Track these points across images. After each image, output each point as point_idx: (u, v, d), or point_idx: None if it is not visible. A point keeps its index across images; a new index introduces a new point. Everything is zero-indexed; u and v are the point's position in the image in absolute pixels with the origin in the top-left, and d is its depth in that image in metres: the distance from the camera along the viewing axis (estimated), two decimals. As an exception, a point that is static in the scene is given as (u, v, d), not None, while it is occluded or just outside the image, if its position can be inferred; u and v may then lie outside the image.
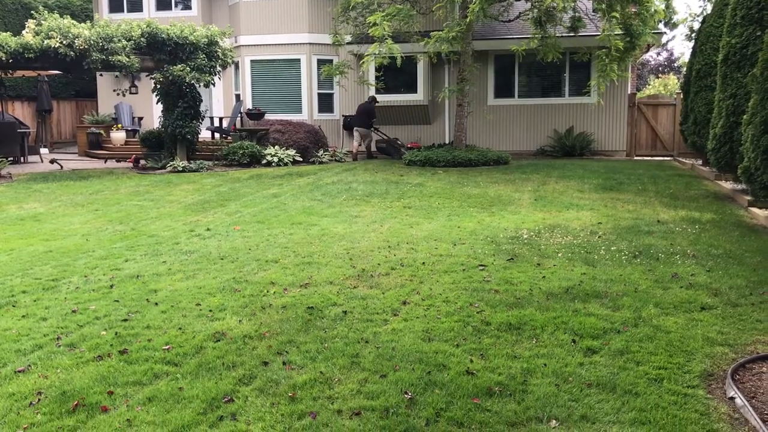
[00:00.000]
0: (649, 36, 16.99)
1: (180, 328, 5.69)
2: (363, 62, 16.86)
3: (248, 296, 6.58)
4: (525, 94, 20.67)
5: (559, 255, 8.11)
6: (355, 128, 19.72)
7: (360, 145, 19.78)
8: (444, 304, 6.23)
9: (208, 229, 10.26)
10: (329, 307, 6.18)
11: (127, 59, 15.89)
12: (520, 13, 17.80)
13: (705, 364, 4.81)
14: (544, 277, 7.11)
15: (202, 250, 8.77)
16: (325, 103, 21.78)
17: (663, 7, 16.65)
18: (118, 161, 20.15)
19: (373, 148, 20.33)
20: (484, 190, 13.42)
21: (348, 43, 19.69)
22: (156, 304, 6.43)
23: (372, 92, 20.90)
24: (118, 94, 19.21)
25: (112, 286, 7.08)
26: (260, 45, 21.27)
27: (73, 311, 6.24)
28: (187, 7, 22.65)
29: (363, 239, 9.27)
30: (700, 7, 17.08)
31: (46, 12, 16.10)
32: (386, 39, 14.46)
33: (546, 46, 17.08)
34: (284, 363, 4.89)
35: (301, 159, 18.52)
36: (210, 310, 6.17)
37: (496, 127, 20.80)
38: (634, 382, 4.50)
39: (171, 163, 17.25)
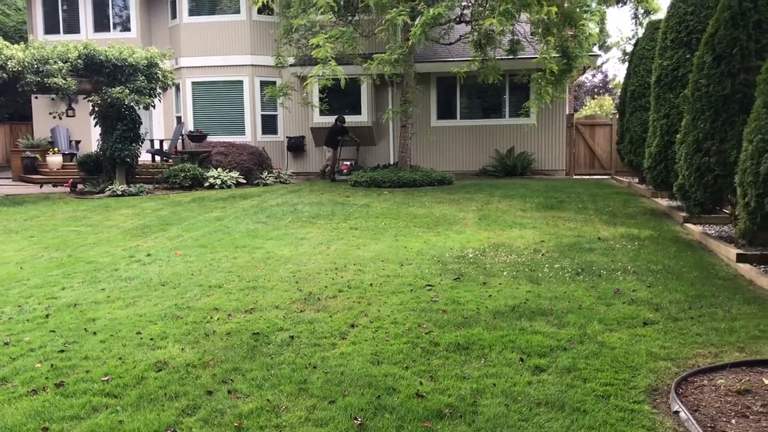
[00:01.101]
0: (585, 58, 17.50)
1: (120, 358, 5.50)
2: (307, 84, 16.84)
3: (191, 323, 6.41)
4: (467, 116, 20.98)
5: (504, 273, 8.18)
6: (325, 147, 20.28)
7: (329, 162, 20.13)
8: (392, 326, 6.19)
9: (148, 255, 10.00)
10: (276, 333, 6.07)
11: (64, 81, 15.50)
12: (460, 36, 18.11)
13: (649, 379, 4.89)
14: (490, 296, 7.15)
15: (142, 276, 8.53)
16: (269, 124, 21.66)
17: (597, 30, 17.18)
18: (54, 186, 19.56)
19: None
20: (429, 210, 13.48)
21: (291, 65, 19.65)
22: (94, 333, 6.20)
23: (316, 114, 20.91)
24: (54, 117, 18.71)
25: (47, 316, 6.81)
26: (202, 67, 21.07)
27: (6, 343, 5.96)
28: (126, 28, 22.30)
29: (309, 261, 9.17)
30: (632, 30, 17.71)
31: (-24, 33, 15.60)
32: (329, 61, 14.50)
33: (486, 69, 17.37)
34: (229, 392, 4.76)
35: (245, 181, 18.32)
36: (151, 339, 5.98)
37: (439, 147, 21.02)
38: (582, 399, 4.53)
39: (110, 187, 16.83)
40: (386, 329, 6.10)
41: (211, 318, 6.57)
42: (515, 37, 17.55)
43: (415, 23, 15.53)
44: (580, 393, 4.62)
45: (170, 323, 6.42)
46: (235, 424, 4.25)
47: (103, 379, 5.05)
